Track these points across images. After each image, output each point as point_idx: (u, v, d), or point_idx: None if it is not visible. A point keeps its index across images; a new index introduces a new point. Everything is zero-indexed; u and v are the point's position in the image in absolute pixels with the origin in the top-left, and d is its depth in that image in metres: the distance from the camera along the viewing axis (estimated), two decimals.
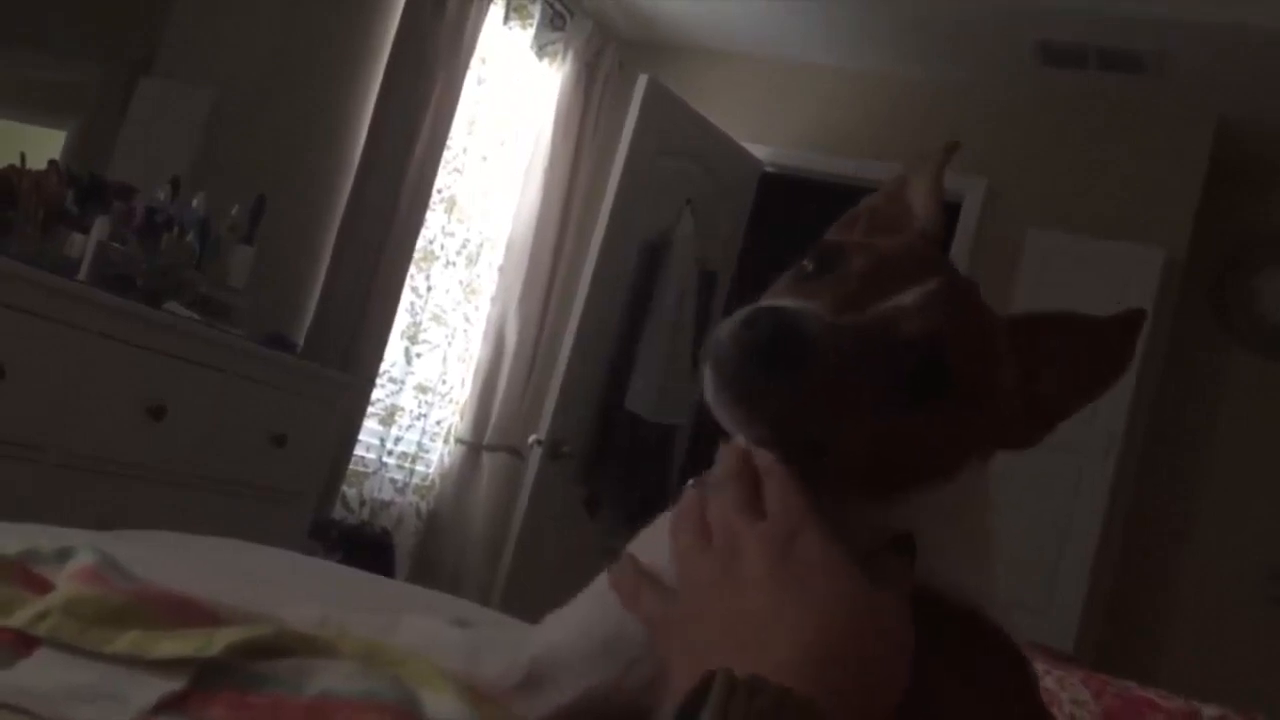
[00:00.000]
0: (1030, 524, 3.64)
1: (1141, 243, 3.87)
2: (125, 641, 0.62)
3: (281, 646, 0.64)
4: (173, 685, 0.60)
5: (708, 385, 0.63)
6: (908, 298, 0.65)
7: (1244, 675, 3.62)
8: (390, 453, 4.04)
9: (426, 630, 0.82)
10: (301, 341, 3.46)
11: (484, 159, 4.24)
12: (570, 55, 4.35)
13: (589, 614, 0.72)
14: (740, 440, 0.67)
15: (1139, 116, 4.04)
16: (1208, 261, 4.07)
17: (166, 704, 0.59)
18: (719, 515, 0.64)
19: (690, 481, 0.70)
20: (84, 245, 2.64)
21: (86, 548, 0.72)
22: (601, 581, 0.73)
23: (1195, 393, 4.11)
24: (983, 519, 0.70)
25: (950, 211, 4.26)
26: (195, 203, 2.99)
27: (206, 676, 0.61)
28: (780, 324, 0.60)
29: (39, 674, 0.61)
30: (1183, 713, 1.50)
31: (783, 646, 0.55)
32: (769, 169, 4.46)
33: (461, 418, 4.28)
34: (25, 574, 0.73)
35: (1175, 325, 3.99)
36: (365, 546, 3.53)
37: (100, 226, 2.66)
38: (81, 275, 2.58)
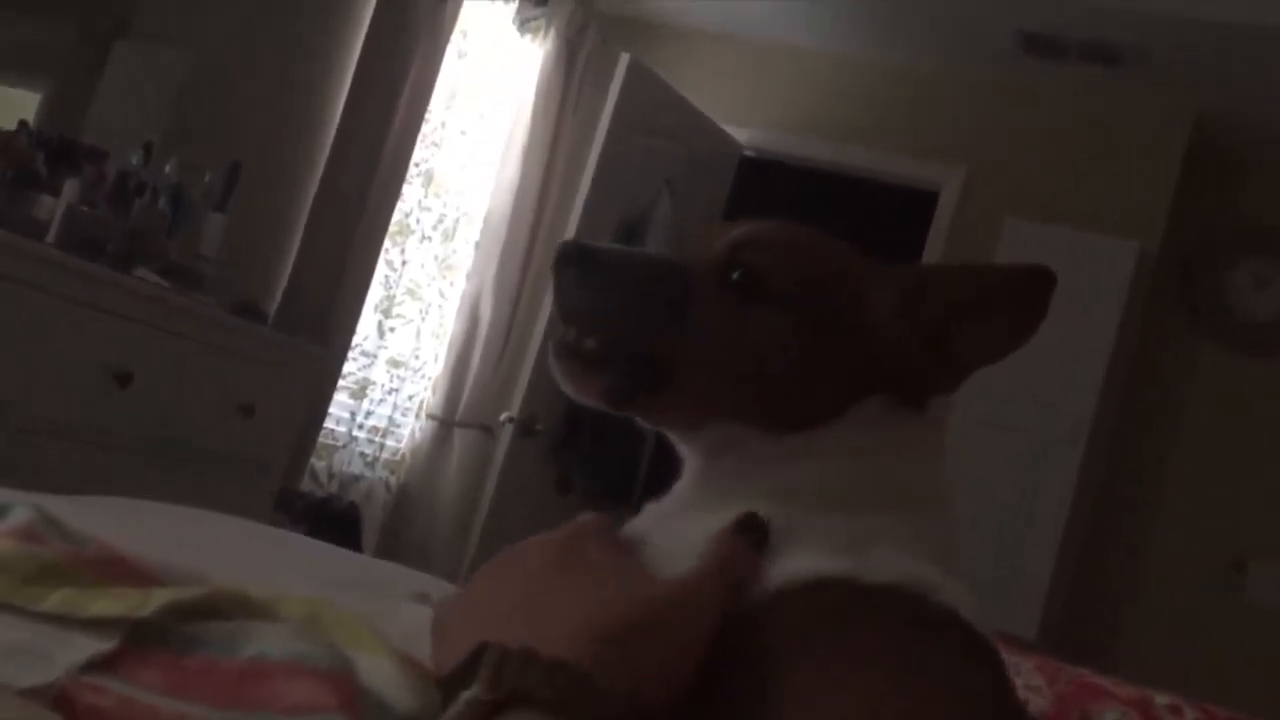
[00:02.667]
0: (996, 510, 3.66)
1: (1116, 235, 3.88)
2: (57, 599, 0.62)
3: (217, 608, 0.64)
4: (104, 645, 0.60)
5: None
6: (728, 232, 0.70)
7: (1205, 665, 3.67)
8: (361, 426, 4.02)
9: (412, 617, 0.81)
10: (273, 312, 3.43)
11: (463, 133, 4.22)
12: (552, 32, 4.33)
13: None
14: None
15: (1117, 110, 4.05)
16: (1180, 255, 4.10)
17: (97, 663, 0.59)
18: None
19: None
20: (53, 208, 2.62)
21: (22, 505, 0.71)
22: None
23: (1164, 384, 4.13)
24: (898, 461, 0.67)
25: (928, 199, 4.28)
26: (168, 168, 2.96)
27: (139, 637, 0.61)
28: (567, 241, 0.68)
29: None
30: (1135, 700, 1.51)
31: (554, 630, 0.54)
32: (749, 152, 4.45)
33: (434, 393, 4.27)
34: None
35: (1146, 317, 4.02)
36: (332, 520, 3.52)
37: (70, 189, 2.63)
38: (50, 238, 2.55)
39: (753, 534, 0.61)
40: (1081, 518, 3.89)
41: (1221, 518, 3.96)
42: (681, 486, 0.71)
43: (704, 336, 0.65)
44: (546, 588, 0.58)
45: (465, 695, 0.49)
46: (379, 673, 0.63)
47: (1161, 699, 1.51)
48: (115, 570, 0.66)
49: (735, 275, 0.66)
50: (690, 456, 0.71)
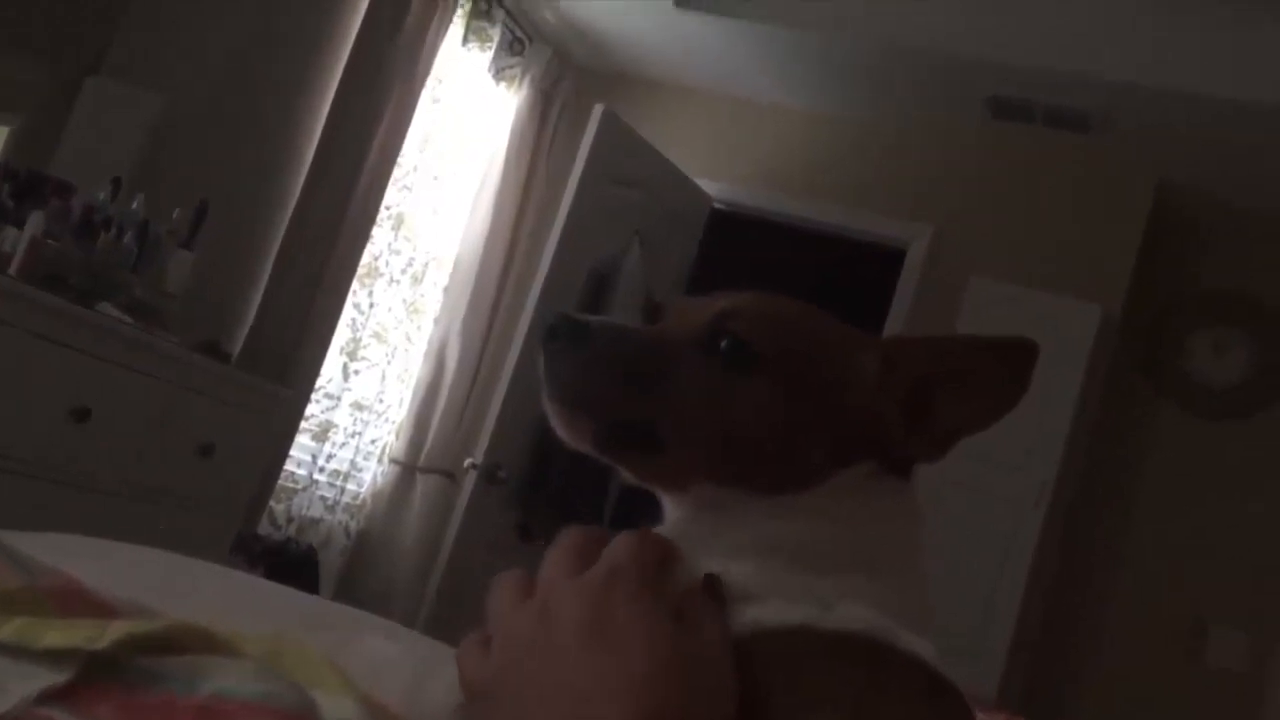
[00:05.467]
0: (959, 571, 3.66)
1: (1079, 297, 3.93)
2: (10, 629, 0.60)
3: (175, 642, 0.62)
4: (57, 677, 0.57)
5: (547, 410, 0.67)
6: (709, 303, 0.69)
7: None
8: (322, 470, 3.98)
9: (376, 651, 0.80)
10: (237, 351, 3.40)
11: (435, 178, 4.22)
12: (527, 81, 4.36)
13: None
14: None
15: (1082, 174, 4.12)
16: (1142, 319, 4.15)
17: (50, 696, 0.57)
18: (544, 568, 0.62)
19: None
20: (16, 240, 2.59)
21: None
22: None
23: (1126, 447, 4.17)
24: (878, 526, 0.67)
25: (896, 256, 4.32)
26: (135, 204, 2.94)
27: (95, 670, 0.59)
28: (557, 314, 0.66)
29: None
30: None
31: (603, 712, 0.52)
32: (719, 205, 4.48)
33: (397, 437, 4.23)
34: None
35: (1109, 380, 4.05)
36: (289, 564, 3.47)
37: (34, 222, 2.60)
38: (12, 270, 2.52)
39: (713, 590, 0.60)
40: (1044, 579, 3.89)
41: (1183, 581, 3.98)
42: (663, 531, 0.70)
43: (693, 405, 0.65)
44: (586, 661, 0.55)
45: None
46: (341, 714, 0.61)
47: None
48: (72, 601, 0.64)
49: (723, 345, 0.66)
50: (672, 507, 0.70)
